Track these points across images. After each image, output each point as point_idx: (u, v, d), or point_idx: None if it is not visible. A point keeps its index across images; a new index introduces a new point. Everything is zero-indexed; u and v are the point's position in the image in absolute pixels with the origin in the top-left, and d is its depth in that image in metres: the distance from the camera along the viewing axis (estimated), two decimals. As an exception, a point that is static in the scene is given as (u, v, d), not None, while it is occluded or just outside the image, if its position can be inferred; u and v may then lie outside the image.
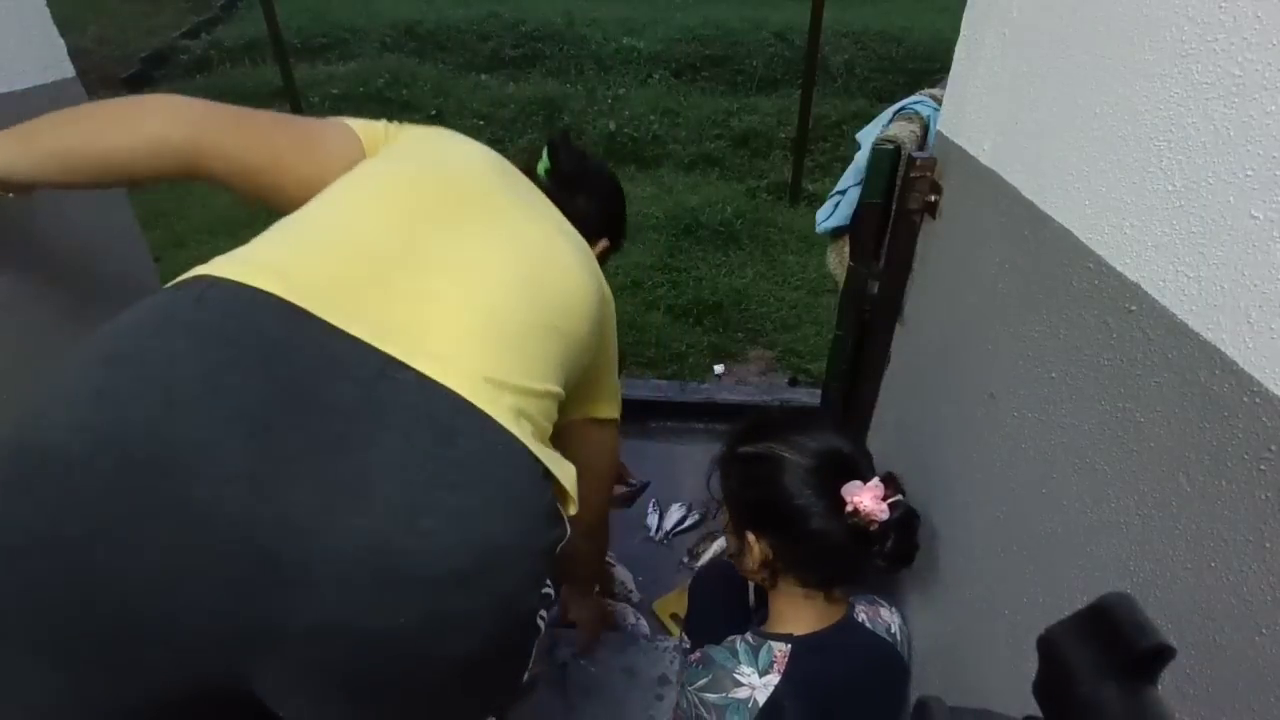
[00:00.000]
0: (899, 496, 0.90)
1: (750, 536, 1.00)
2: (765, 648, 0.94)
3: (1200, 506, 0.61)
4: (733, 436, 1.04)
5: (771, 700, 0.90)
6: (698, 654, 0.98)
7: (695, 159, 4.52)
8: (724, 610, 1.12)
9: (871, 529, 0.89)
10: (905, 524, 0.91)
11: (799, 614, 0.99)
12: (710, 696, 0.92)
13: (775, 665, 0.92)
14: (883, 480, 0.90)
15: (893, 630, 1.05)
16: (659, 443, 2.43)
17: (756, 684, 0.91)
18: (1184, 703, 0.62)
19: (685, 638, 1.24)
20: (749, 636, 0.97)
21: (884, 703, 1.00)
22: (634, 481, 1.89)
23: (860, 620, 1.00)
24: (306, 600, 0.55)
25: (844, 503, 0.89)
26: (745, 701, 0.90)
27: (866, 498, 0.88)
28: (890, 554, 0.91)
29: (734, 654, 0.94)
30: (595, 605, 1.58)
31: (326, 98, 4.92)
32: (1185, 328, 0.61)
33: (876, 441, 1.40)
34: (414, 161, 0.86)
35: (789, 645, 0.94)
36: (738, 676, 0.91)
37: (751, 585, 1.20)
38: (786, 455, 0.94)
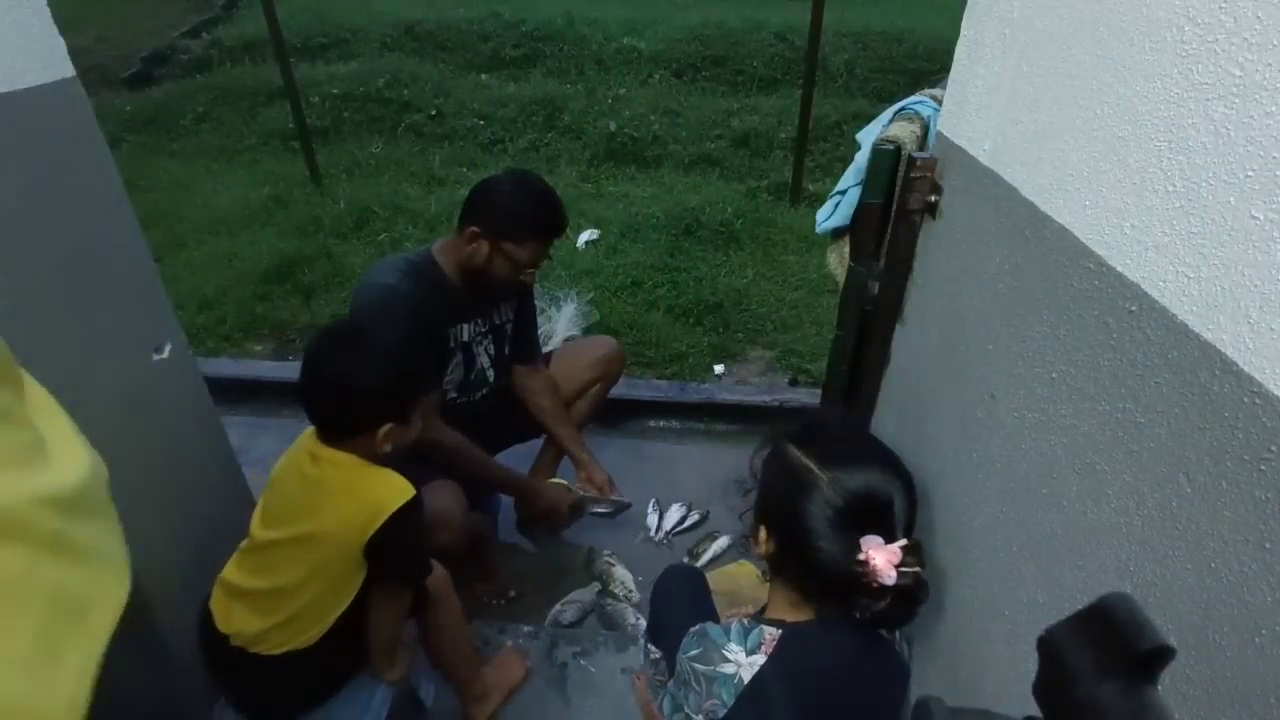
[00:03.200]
0: (915, 569, 0.89)
1: (763, 529, 1.03)
2: (757, 630, 0.97)
3: (1200, 507, 0.61)
4: (790, 429, 1.04)
5: (756, 679, 0.93)
6: (695, 629, 1.01)
7: (695, 159, 4.52)
8: (692, 613, 1.13)
9: (873, 586, 0.88)
10: (908, 595, 0.90)
11: (793, 608, 1.00)
12: (699, 667, 0.96)
13: (763, 647, 0.95)
14: (908, 548, 0.90)
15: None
16: (659, 443, 2.43)
17: (743, 662, 0.94)
18: (1184, 703, 0.62)
19: (652, 647, 1.24)
20: (744, 620, 1.00)
21: (878, 698, 1.01)
22: (618, 499, 1.90)
23: (857, 616, 1.01)
24: None
25: (859, 549, 0.89)
26: (731, 677, 0.93)
27: (881, 558, 0.87)
28: (879, 614, 0.90)
29: (726, 632, 0.98)
30: None
31: (327, 98, 4.92)
32: (1185, 328, 0.61)
33: (876, 441, 1.40)
34: None
35: (779, 630, 0.96)
36: (725, 653, 0.95)
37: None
38: (822, 486, 0.93)
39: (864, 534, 0.90)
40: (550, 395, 1.87)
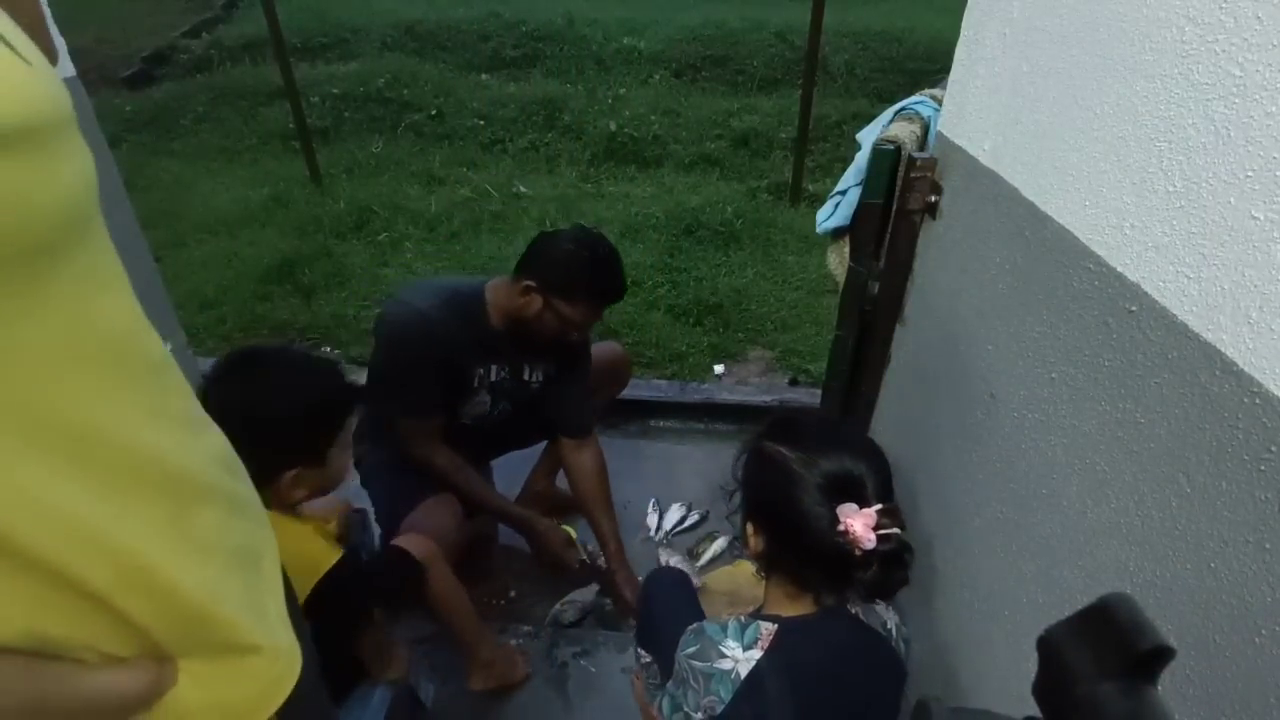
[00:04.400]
0: (894, 530, 0.90)
1: (750, 527, 1.04)
2: (753, 626, 0.98)
3: (1200, 507, 0.61)
4: (763, 427, 1.05)
5: (753, 674, 0.94)
6: (693, 627, 1.02)
7: (695, 159, 4.51)
8: (685, 612, 1.13)
9: (857, 554, 0.89)
10: (892, 558, 0.92)
11: (791, 600, 1.01)
12: (697, 664, 0.97)
13: (760, 642, 0.96)
14: (883, 511, 0.91)
15: (888, 627, 1.06)
16: (659, 443, 2.43)
17: (740, 657, 0.95)
18: (1184, 703, 0.62)
19: (643, 651, 1.24)
20: (741, 616, 1.01)
21: (875, 694, 1.01)
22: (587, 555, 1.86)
23: (854, 613, 1.01)
24: None
25: (838, 520, 0.90)
26: (729, 673, 0.94)
27: (858, 523, 0.89)
28: (870, 582, 0.92)
29: (723, 629, 0.99)
30: None
31: (327, 97, 4.92)
32: (1185, 328, 0.61)
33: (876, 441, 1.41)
34: None
35: (776, 625, 0.97)
36: (723, 649, 0.96)
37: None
38: (796, 468, 0.95)
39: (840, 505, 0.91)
40: (597, 479, 1.82)
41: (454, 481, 1.63)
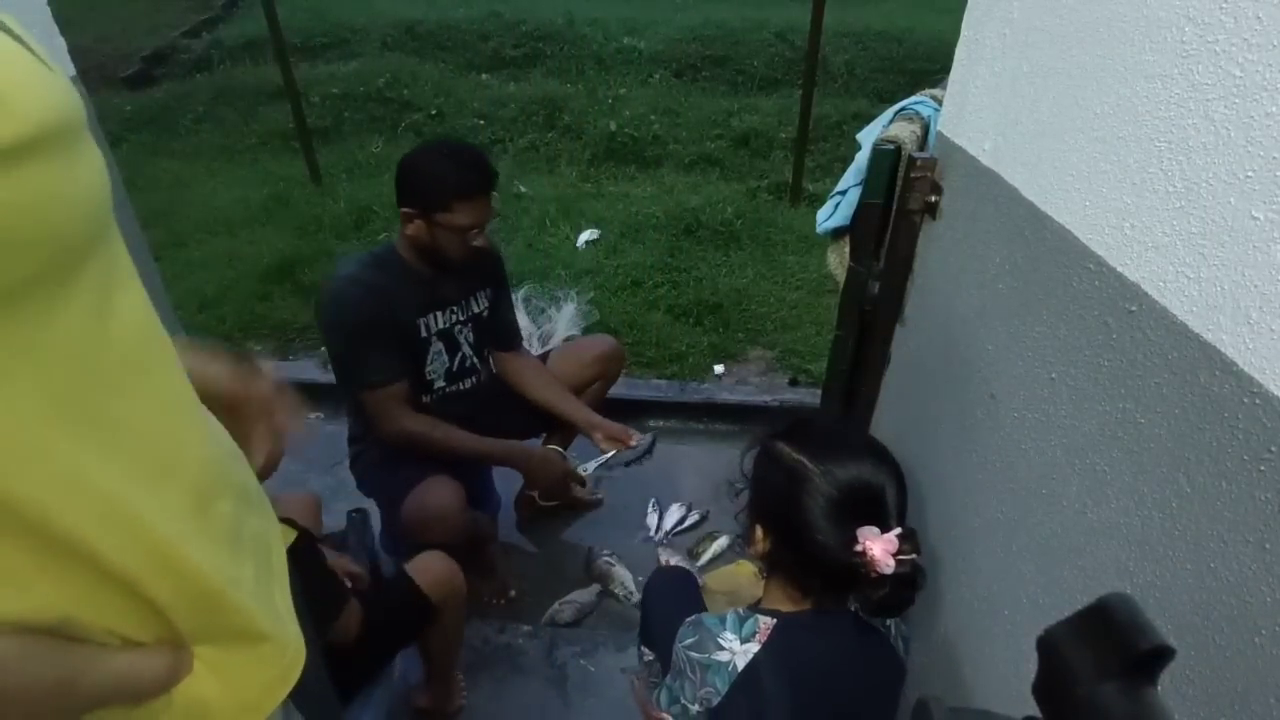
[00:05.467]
0: (912, 556, 0.90)
1: (758, 528, 1.03)
2: (752, 619, 0.98)
3: (1200, 507, 0.61)
4: (779, 429, 1.05)
5: (750, 666, 0.94)
6: (691, 619, 1.02)
7: (696, 159, 4.51)
8: (688, 610, 1.13)
9: (871, 575, 0.89)
10: (906, 582, 0.91)
11: (791, 601, 1.01)
12: (694, 655, 0.97)
13: (758, 636, 0.96)
14: (902, 535, 0.90)
15: (888, 624, 1.06)
16: (659, 443, 2.43)
17: (737, 650, 0.95)
18: (1184, 703, 0.62)
19: (645, 649, 1.25)
20: (740, 610, 1.01)
21: (873, 691, 1.01)
22: (640, 442, 1.78)
23: (854, 610, 1.01)
24: None
25: (856, 540, 0.89)
26: (725, 664, 0.94)
27: (878, 548, 0.88)
28: (878, 602, 0.91)
29: (722, 621, 0.98)
30: None
31: (327, 97, 4.92)
32: (1185, 328, 0.61)
33: (876, 442, 1.40)
34: None
35: (774, 620, 0.97)
36: (720, 640, 0.96)
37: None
38: (814, 478, 0.94)
39: (859, 524, 0.90)
40: (537, 372, 1.84)
41: (435, 440, 1.62)
